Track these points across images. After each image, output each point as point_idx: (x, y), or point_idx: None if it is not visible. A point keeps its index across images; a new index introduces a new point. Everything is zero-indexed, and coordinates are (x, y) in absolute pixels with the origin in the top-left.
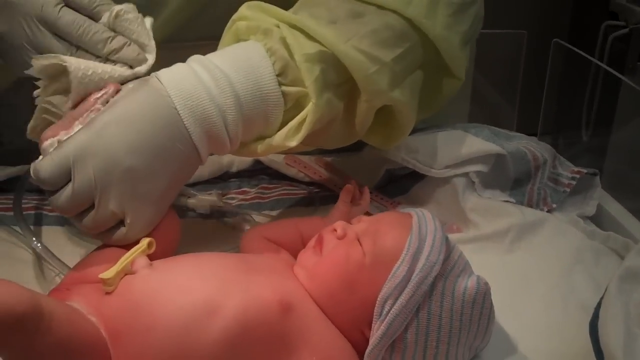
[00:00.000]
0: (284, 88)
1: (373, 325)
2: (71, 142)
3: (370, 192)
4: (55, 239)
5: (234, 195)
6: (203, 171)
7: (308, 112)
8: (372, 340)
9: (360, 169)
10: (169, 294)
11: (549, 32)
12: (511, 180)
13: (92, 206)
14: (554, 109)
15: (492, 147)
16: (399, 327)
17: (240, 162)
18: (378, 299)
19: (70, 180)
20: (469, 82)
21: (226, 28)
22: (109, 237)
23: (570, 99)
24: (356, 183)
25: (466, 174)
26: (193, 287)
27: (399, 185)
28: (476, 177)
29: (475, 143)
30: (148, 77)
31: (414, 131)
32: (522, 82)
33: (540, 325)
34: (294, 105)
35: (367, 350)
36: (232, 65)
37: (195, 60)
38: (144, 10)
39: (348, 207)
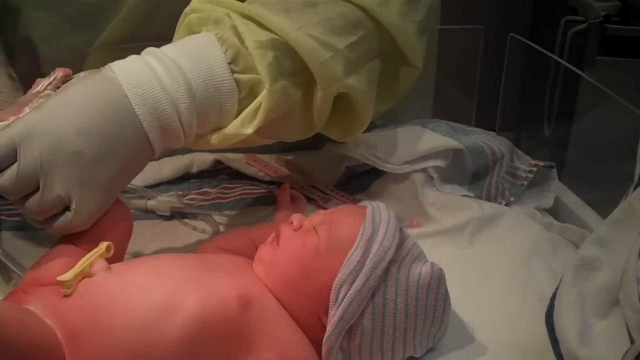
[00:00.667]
0: (236, 76)
1: (329, 311)
2: (19, 123)
3: (331, 190)
4: (15, 244)
5: (194, 196)
6: (163, 172)
7: (262, 98)
8: (329, 327)
9: (320, 166)
10: (127, 294)
11: (509, 28)
12: (469, 174)
13: (37, 190)
14: (514, 104)
15: (450, 142)
16: (354, 313)
17: (201, 162)
18: (333, 285)
19: (16, 161)
20: (432, 78)
21: (179, 22)
22: (53, 224)
23: (531, 93)
24: (287, 186)
25: (425, 170)
26: (151, 287)
27: (359, 182)
28: (435, 172)
29: (433, 138)
30: (102, 67)
31: (374, 127)
32: (482, 78)
33: (499, 316)
34: (249, 94)
35: (325, 337)
36: (183, 55)
37: (147, 52)
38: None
39: (289, 207)
